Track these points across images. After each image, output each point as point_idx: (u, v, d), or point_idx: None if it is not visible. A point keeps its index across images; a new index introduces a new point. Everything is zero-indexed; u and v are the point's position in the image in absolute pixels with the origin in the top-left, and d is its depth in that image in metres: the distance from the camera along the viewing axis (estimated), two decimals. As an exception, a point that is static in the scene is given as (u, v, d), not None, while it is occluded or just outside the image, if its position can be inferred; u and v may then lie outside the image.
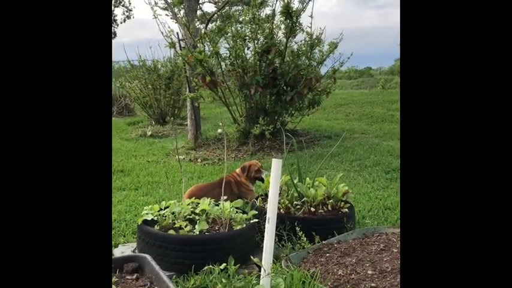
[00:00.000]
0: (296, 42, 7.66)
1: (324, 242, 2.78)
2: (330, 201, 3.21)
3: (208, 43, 7.30)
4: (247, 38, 7.45)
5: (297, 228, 2.81)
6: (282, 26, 7.33)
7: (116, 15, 23.77)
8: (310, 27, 7.41)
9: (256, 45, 7.40)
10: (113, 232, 3.46)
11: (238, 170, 4.10)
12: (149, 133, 9.75)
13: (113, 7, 24.86)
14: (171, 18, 8.54)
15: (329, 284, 2.20)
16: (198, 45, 7.35)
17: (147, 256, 2.23)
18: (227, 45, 7.63)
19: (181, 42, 7.78)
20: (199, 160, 6.77)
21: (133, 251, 2.90)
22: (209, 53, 7.20)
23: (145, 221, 2.83)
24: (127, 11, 23.70)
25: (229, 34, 7.55)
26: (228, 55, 7.60)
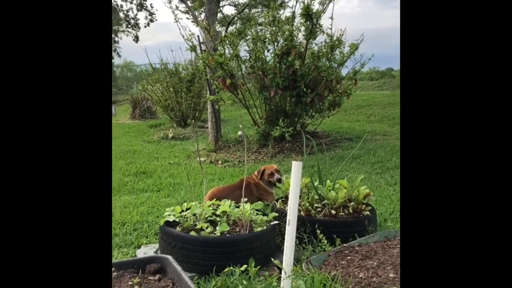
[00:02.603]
0: (316, 44, 7.65)
1: (345, 244, 2.77)
2: (351, 203, 3.19)
3: (229, 46, 7.35)
4: (267, 40, 7.47)
5: (318, 231, 2.80)
6: (302, 28, 7.32)
7: (139, 19, 24.13)
8: (331, 29, 7.39)
9: (276, 48, 7.41)
10: (135, 233, 3.52)
11: (256, 173, 4.13)
12: (171, 135, 9.87)
13: (135, 11, 25.22)
14: (192, 21, 8.64)
15: (350, 287, 2.18)
16: (219, 48, 7.41)
17: (169, 257, 2.26)
18: (247, 48, 7.68)
19: (202, 45, 7.85)
20: (219, 162, 6.81)
21: (156, 252, 2.95)
22: (229, 55, 7.24)
23: (167, 222, 2.87)
24: (149, 15, 24.03)
25: (249, 37, 7.59)
26: (248, 58, 7.64)
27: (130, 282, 2.07)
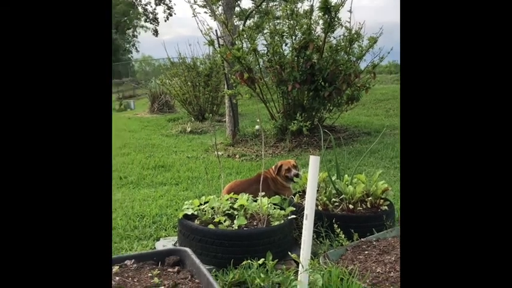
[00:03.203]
0: (335, 38, 7.58)
1: (362, 239, 2.76)
2: (369, 198, 3.17)
3: (246, 40, 7.35)
4: (285, 34, 7.44)
5: (335, 225, 2.80)
6: (320, 21, 7.26)
7: (157, 13, 24.27)
8: (349, 22, 7.32)
9: (294, 41, 7.38)
10: (154, 226, 3.57)
11: (273, 168, 4.14)
12: (189, 129, 9.94)
13: (154, 5, 25.35)
14: (210, 15, 8.66)
15: (367, 281, 2.18)
16: (236, 42, 7.41)
17: (188, 250, 2.29)
18: (265, 42, 7.66)
19: (219, 39, 7.87)
20: (237, 156, 6.84)
21: (174, 245, 2.99)
22: (247, 49, 7.24)
23: (185, 216, 2.90)
24: (168, 9, 24.15)
25: (266, 30, 7.57)
26: (265, 52, 7.63)
27: (150, 274, 2.11)
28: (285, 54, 7.49)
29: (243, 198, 3.01)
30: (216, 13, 8.43)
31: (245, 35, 7.34)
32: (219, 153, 7.07)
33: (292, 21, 7.37)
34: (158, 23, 25.03)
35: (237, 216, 2.85)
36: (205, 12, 9.25)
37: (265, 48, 7.62)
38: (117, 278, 2.05)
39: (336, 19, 7.14)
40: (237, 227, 2.72)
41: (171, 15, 24.31)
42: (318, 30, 7.39)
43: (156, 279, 2.03)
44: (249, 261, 2.38)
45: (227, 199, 3.08)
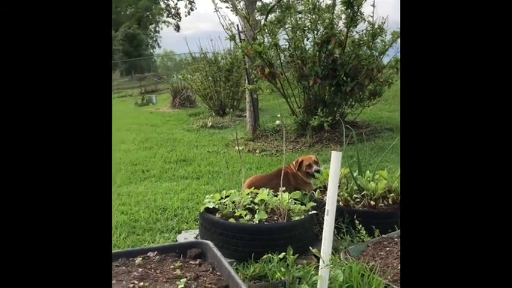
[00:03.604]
0: (357, 32, 7.50)
1: (384, 235, 2.74)
2: (391, 195, 3.14)
3: (268, 35, 7.33)
4: (306, 28, 7.40)
5: (356, 222, 2.79)
6: (343, 16, 7.20)
7: (179, 9, 24.48)
8: (372, 16, 7.22)
9: (315, 36, 7.33)
10: (176, 219, 3.63)
11: (294, 163, 4.13)
12: (209, 124, 10.01)
13: (176, 0, 25.53)
14: (231, 10, 8.67)
15: (388, 277, 2.17)
16: (258, 37, 7.41)
17: (209, 243, 2.32)
18: (286, 37, 7.63)
19: (241, 34, 7.88)
20: (257, 151, 6.86)
21: (196, 238, 3.03)
22: (268, 44, 7.23)
23: (207, 209, 2.94)
24: (189, 3, 24.30)
25: (288, 25, 7.54)
26: (287, 46, 7.60)
27: (172, 266, 2.14)
28: (307, 49, 7.45)
29: (264, 193, 3.03)
30: (238, 8, 8.44)
31: (266, 30, 7.33)
32: (240, 148, 7.10)
33: (314, 16, 7.32)
34: (180, 18, 25.25)
35: (257, 211, 2.86)
36: (227, 7, 9.27)
37: (287, 43, 7.60)
38: (140, 269, 2.09)
39: (358, 13, 7.06)
40: (257, 221, 2.73)
41: (192, 10, 24.50)
42: (341, 24, 7.33)
43: (178, 271, 2.06)
44: (270, 255, 2.40)
45: (248, 193, 3.10)
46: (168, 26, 42.85)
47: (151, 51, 42.76)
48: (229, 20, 7.77)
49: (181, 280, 1.95)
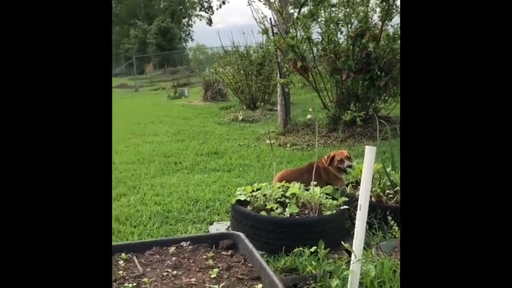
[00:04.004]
0: (392, 26, 7.34)
1: (417, 233, 2.70)
2: (425, 191, 3.08)
3: (301, 28, 7.28)
4: (340, 22, 7.30)
5: (389, 217, 2.75)
6: (378, 9, 7.06)
7: (212, 2, 24.59)
8: (408, 9, 7.04)
9: (349, 30, 7.22)
10: (208, 210, 3.68)
11: (326, 158, 4.10)
12: (240, 117, 10.05)
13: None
14: (264, 3, 8.65)
15: (422, 275, 2.14)
16: (291, 30, 7.37)
17: (241, 234, 2.34)
18: (319, 30, 7.56)
19: (273, 27, 7.86)
20: (288, 145, 6.85)
21: (227, 229, 3.07)
22: (301, 38, 7.18)
23: (238, 201, 2.97)
24: (222, -3, 24.40)
25: (322, 18, 7.46)
26: (320, 40, 7.53)
27: (204, 256, 2.19)
28: (340, 42, 7.36)
29: (295, 187, 3.03)
30: (271, 1, 8.41)
31: (299, 23, 7.28)
32: (271, 141, 7.11)
33: (348, 9, 7.22)
34: (212, 11, 25.39)
35: (288, 204, 2.87)
36: (260, 0, 9.26)
37: (320, 37, 7.52)
38: (174, 258, 2.14)
39: (393, 7, 6.91)
40: (288, 215, 2.74)
41: (224, 3, 24.57)
42: (375, 18, 7.20)
43: (210, 261, 2.10)
44: (301, 248, 2.40)
45: (279, 187, 3.11)
46: (200, 20, 43.20)
47: (184, 44, 43.25)
48: (262, 13, 7.77)
49: (213, 270, 1.99)
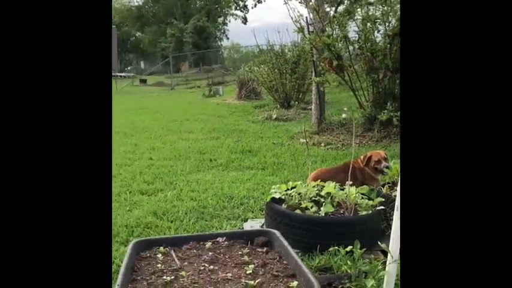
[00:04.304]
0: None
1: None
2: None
3: (337, 27, 7.22)
4: (377, 20, 7.18)
5: (426, 220, 2.70)
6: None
7: (247, 1, 24.69)
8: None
9: (387, 28, 7.10)
10: (242, 207, 3.72)
11: (362, 158, 4.06)
12: (274, 116, 10.07)
13: (243, -7, 25.83)
14: (300, 2, 8.62)
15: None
16: (327, 29, 7.32)
17: (276, 232, 2.36)
18: (356, 29, 7.46)
19: (309, 26, 7.82)
20: (322, 144, 6.81)
21: (261, 226, 3.10)
22: (337, 36, 7.12)
23: (273, 199, 2.99)
24: (257, -4, 24.48)
25: (358, 17, 7.36)
26: (356, 38, 7.43)
27: (240, 252, 2.22)
28: (377, 41, 7.25)
29: (330, 186, 3.02)
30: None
31: (336, 22, 7.21)
32: (304, 140, 7.09)
33: (385, 7, 7.09)
34: (248, 10, 25.53)
35: (323, 203, 2.87)
36: (296, -1, 9.23)
37: (356, 35, 7.43)
38: (210, 253, 2.19)
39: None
40: (323, 214, 2.74)
41: (260, 2, 24.60)
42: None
43: (246, 258, 2.13)
44: (336, 247, 2.40)
45: (314, 186, 3.11)
46: (235, 19, 43.48)
47: (219, 43, 43.65)
48: (298, 12, 7.75)
49: (249, 266, 2.02)
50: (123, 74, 38.94)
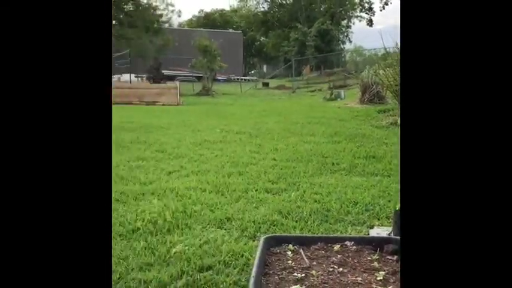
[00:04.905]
0: None
1: None
2: None
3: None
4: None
5: None
6: None
7: (373, 3, 24.02)
8: None
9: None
10: (367, 214, 3.65)
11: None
12: (399, 121, 9.63)
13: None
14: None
15: None
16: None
17: (408, 241, 2.28)
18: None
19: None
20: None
21: (388, 234, 3.01)
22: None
23: (402, 208, 2.88)
24: (385, -2, 23.66)
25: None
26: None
27: (369, 258, 2.19)
28: None
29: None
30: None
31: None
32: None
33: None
34: (374, 12, 24.81)
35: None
36: None
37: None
38: (339, 255, 2.20)
39: None
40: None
41: (387, 4, 23.73)
42: None
43: (375, 264, 2.10)
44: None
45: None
46: (360, 21, 42.57)
47: (342, 46, 43.16)
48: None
49: (379, 272, 1.99)
50: (247, 78, 40.86)
